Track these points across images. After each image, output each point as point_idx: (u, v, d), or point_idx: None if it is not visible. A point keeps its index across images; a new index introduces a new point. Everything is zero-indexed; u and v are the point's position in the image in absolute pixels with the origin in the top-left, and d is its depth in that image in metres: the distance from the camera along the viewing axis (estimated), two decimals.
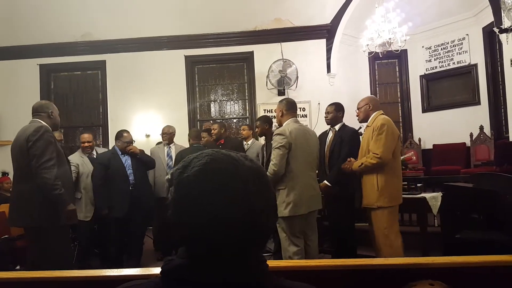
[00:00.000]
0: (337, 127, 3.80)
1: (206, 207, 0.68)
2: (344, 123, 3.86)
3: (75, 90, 7.41)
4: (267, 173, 2.98)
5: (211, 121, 6.52)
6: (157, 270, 1.28)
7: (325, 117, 3.89)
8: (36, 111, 2.99)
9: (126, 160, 4.31)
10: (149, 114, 7.00)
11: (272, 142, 3.16)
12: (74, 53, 7.14)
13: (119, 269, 1.43)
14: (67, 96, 7.44)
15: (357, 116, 3.38)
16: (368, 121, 3.26)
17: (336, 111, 3.83)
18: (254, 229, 0.71)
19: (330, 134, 3.82)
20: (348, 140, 3.66)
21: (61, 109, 6.82)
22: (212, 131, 4.91)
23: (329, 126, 3.92)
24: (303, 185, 3.08)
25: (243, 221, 0.69)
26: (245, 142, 5.06)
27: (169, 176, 0.93)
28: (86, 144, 4.57)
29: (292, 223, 3.06)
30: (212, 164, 0.72)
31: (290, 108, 3.26)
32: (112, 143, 6.70)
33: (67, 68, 7.28)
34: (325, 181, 3.63)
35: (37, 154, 2.73)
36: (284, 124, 3.20)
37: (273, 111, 6.49)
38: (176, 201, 0.72)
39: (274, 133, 3.16)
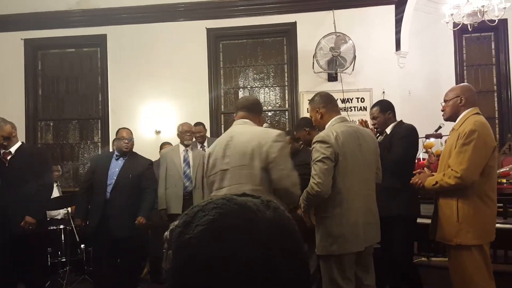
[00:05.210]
0: (389, 129, 3.41)
1: (213, 281, 0.59)
2: (401, 121, 3.44)
3: (67, 73, 6.68)
4: (306, 192, 2.60)
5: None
6: None
7: (373, 125, 3.53)
8: None
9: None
10: (160, 104, 6.29)
11: (312, 152, 2.76)
12: (67, 25, 6.45)
13: None
14: (58, 80, 6.69)
15: (442, 111, 2.89)
16: (456, 122, 2.80)
17: (382, 112, 3.40)
18: None
19: (380, 138, 3.46)
20: (402, 136, 3.26)
21: (51, 96, 6.44)
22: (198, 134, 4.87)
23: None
24: (358, 211, 2.63)
25: None
26: None
27: (167, 234, 0.50)
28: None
29: (340, 263, 2.60)
30: (221, 222, 0.62)
31: (328, 101, 2.82)
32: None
33: (58, 44, 6.60)
34: None
35: None
36: (326, 127, 2.77)
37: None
38: (174, 271, 0.62)
39: (313, 141, 2.80)
